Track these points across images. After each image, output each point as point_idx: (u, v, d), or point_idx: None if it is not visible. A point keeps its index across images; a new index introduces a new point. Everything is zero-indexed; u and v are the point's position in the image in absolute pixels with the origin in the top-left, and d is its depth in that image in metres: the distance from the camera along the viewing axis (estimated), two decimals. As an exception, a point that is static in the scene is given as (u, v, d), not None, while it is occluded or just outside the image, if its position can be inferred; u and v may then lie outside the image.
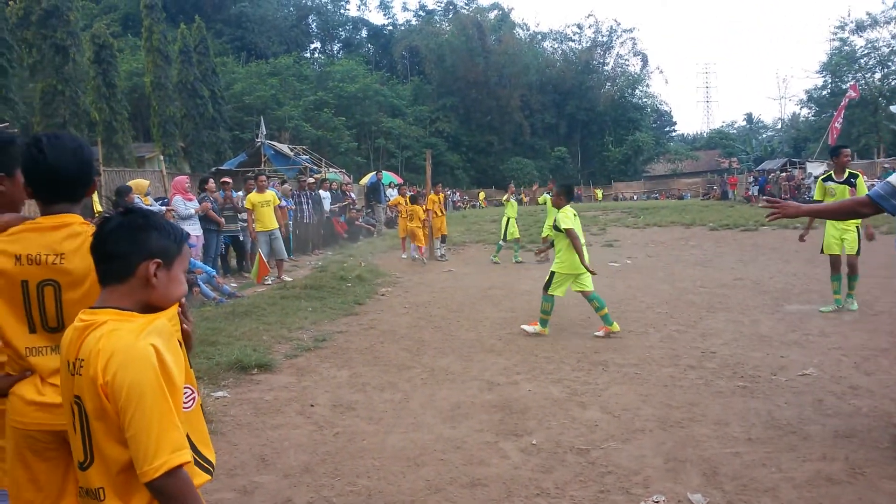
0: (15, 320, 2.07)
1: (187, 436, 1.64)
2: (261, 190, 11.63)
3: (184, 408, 1.71)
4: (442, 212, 15.57)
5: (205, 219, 10.86)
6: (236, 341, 6.63)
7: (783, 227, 19.72)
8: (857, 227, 7.87)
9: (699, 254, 14.60)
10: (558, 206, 7.35)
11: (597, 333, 7.03)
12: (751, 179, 39.22)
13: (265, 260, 11.00)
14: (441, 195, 16.05)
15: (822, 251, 8.24)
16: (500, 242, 14.71)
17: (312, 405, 4.98)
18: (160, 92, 30.22)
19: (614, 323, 7.04)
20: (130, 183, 11.27)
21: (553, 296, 7.14)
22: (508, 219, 14.37)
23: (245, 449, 4.15)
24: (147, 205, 10.20)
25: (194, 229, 10.39)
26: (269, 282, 10.81)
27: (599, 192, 52.64)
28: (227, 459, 3.99)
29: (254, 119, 36.36)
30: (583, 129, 60.07)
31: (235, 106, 41.70)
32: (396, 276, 12.32)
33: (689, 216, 24.38)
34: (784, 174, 34.86)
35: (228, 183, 12.21)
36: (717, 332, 7.01)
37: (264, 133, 26.54)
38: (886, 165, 26.94)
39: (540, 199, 14.65)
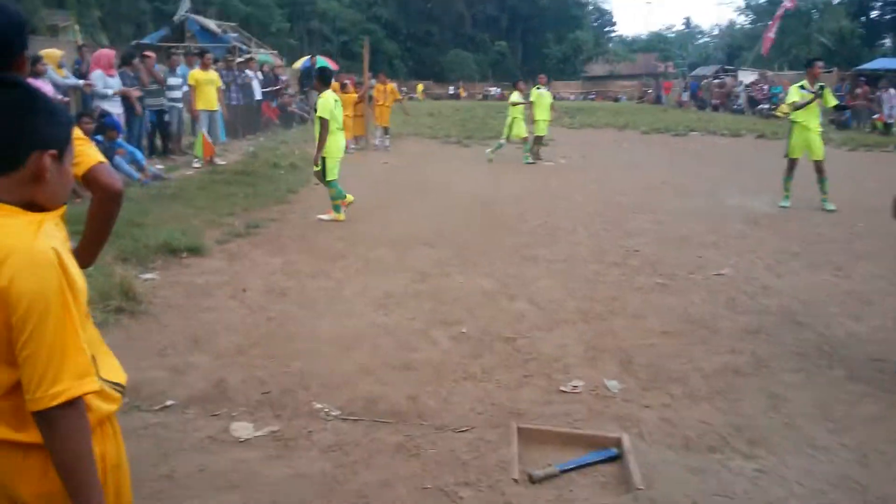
0: None
1: (92, 358, 1.35)
2: (205, 67, 11.05)
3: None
4: (385, 102, 15.23)
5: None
6: (164, 224, 6.46)
7: (710, 133, 20.29)
8: (820, 133, 8.61)
9: (630, 156, 14.87)
10: (319, 91, 7.50)
11: (322, 217, 7.44)
12: (684, 85, 39.69)
13: (208, 138, 10.60)
14: (388, 85, 15.59)
15: (785, 155, 8.87)
16: (502, 141, 13.63)
17: (244, 290, 4.97)
18: (76, -47, 27.47)
19: (342, 212, 7.48)
20: (42, 52, 10.41)
21: (335, 180, 7.49)
22: (514, 118, 13.33)
23: (177, 330, 4.15)
24: (62, 77, 9.50)
25: (115, 107, 9.82)
26: (197, 165, 10.44)
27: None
28: (158, 339, 3.98)
29: (178, -10, 33.78)
30: (524, 23, 58.60)
31: (158, -26, 38.52)
32: (330, 165, 12.08)
33: (623, 119, 24.69)
34: (717, 81, 35.36)
35: (151, 57, 11.47)
36: (642, 231, 7.28)
37: (188, 7, 24.72)
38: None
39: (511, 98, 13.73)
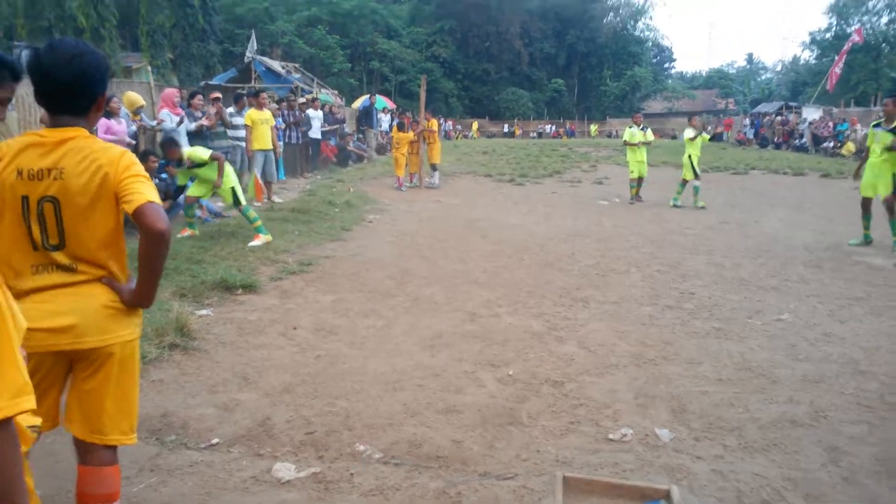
0: (18, 237, 2.06)
1: None
2: (260, 107, 11.42)
3: None
4: (435, 139, 15.44)
5: (194, 135, 10.67)
6: (221, 261, 6.66)
7: (772, 172, 19.78)
8: (894, 174, 8.33)
9: (688, 195, 14.59)
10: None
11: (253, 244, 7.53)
12: (746, 122, 38.94)
13: (260, 180, 10.92)
14: (431, 122, 15.80)
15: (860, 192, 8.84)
16: (697, 183, 12.57)
17: (295, 327, 5.05)
18: (149, -1, 29.06)
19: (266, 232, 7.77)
20: (123, 95, 10.99)
21: (248, 206, 7.92)
22: (690, 155, 12.49)
23: (227, 367, 4.23)
24: (135, 121, 9.94)
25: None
26: (256, 204, 10.74)
27: (594, 128, 52.17)
28: (209, 376, 4.07)
29: (245, 33, 35.26)
30: (582, 60, 58.85)
31: (227, 18, 40.29)
32: (385, 203, 12.29)
33: (681, 157, 24.25)
34: (779, 118, 34.58)
35: (219, 98, 11.95)
36: (698, 273, 7.10)
37: (255, 48, 25.80)
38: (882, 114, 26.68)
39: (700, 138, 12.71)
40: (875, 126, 8.65)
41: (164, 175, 9.04)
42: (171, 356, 4.29)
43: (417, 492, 2.90)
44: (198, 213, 9.12)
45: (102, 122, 8.79)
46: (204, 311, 5.28)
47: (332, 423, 3.53)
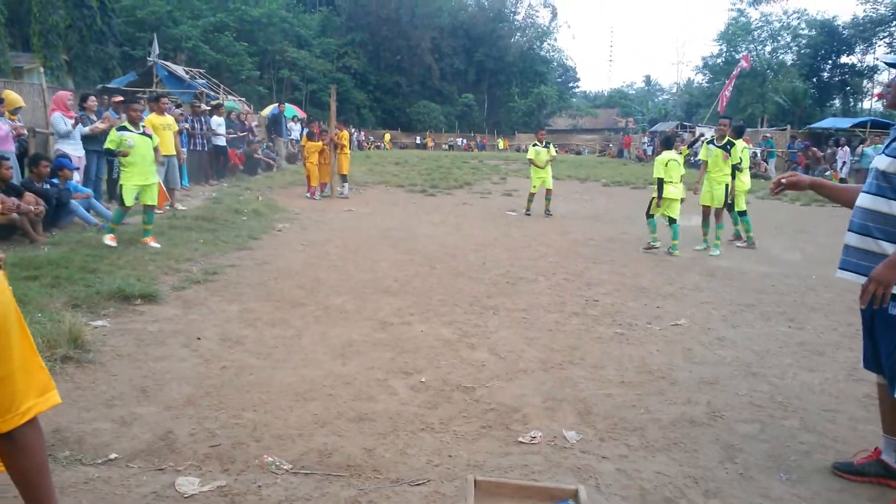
0: None
1: None
2: (161, 112, 10.96)
3: None
4: (345, 150, 15.32)
5: (87, 139, 10.12)
6: (119, 270, 6.33)
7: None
8: (726, 185, 9.53)
9: (591, 208, 15.15)
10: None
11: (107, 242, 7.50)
12: (645, 140, 40.84)
13: (163, 186, 10.47)
14: (342, 133, 15.68)
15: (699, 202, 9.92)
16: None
17: (199, 338, 4.85)
18: (43, -2, 27.41)
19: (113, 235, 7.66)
20: (4, 94, 10.28)
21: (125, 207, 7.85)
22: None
23: (125, 380, 4.01)
24: (12, 120, 9.27)
25: (75, 149, 9.70)
26: (157, 211, 10.30)
27: (501, 142, 53.30)
28: (104, 390, 3.84)
29: (147, 36, 33.88)
30: (491, 77, 60.14)
31: (127, 20, 38.53)
32: (295, 212, 12.08)
33: (585, 171, 25.24)
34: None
35: (122, 102, 11.39)
36: (602, 281, 7.36)
37: (157, 52, 24.74)
38: (768, 135, 28.71)
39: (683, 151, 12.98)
40: (709, 143, 9.85)
41: (54, 180, 8.53)
42: (63, 369, 4.02)
43: (328, 501, 2.84)
44: (93, 219, 8.65)
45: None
46: (99, 322, 4.99)
47: (239, 435, 3.41)
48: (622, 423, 3.76)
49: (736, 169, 9.64)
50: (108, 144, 7.69)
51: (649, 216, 9.61)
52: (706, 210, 9.68)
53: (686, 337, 5.43)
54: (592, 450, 3.43)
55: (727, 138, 9.64)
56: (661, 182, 9.22)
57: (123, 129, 7.73)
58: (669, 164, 9.28)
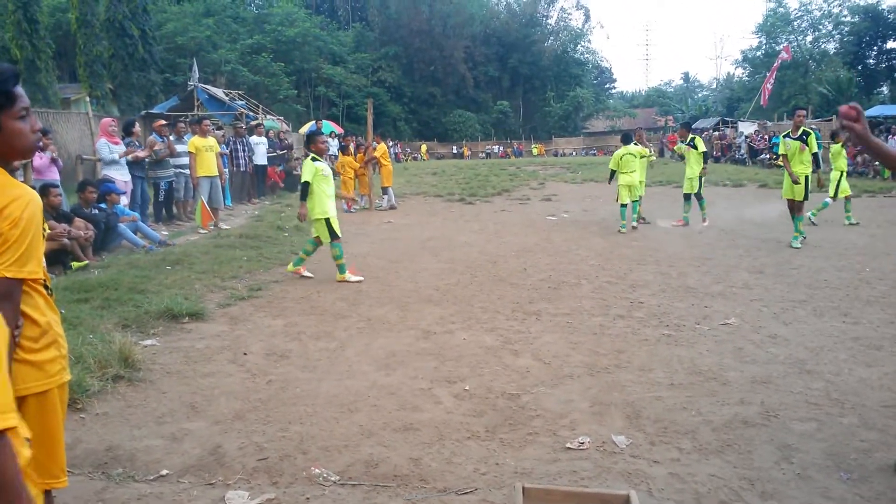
0: None
1: None
2: (203, 134, 11.23)
3: None
4: (384, 162, 15.44)
5: (132, 164, 10.43)
6: (167, 290, 6.47)
7: (713, 185, 20.39)
8: (807, 177, 9.27)
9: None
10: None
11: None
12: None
13: (207, 206, 10.72)
14: (381, 145, 15.81)
15: (782, 195, 9.92)
16: (828, 200, 11.86)
17: (245, 353, 4.93)
18: (86, 30, 28.39)
19: (347, 273, 7.52)
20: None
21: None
22: (842, 172, 11.87)
23: (174, 397, 4.09)
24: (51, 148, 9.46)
25: (121, 174, 9.99)
26: (202, 231, 10.54)
27: (535, 149, 53.05)
28: (155, 407, 3.92)
29: (187, 62, 34.79)
30: (525, 83, 59.96)
31: (167, 47, 39.70)
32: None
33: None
34: (717, 133, 35.77)
35: (167, 126, 11.71)
36: (646, 283, 7.23)
37: (198, 76, 25.41)
38: (813, 126, 27.89)
39: (676, 149, 13.23)
40: (785, 136, 9.61)
41: (102, 205, 8.79)
42: (115, 388, 4.12)
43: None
44: (140, 241, 8.88)
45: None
46: (149, 342, 5.11)
47: (286, 448, 3.44)
48: (673, 426, 3.67)
49: (815, 158, 9.36)
50: (306, 177, 7.33)
51: (622, 205, 11.13)
52: (791, 203, 9.48)
53: (736, 336, 5.28)
54: (643, 454, 3.36)
55: (802, 129, 9.38)
56: (612, 172, 11.28)
57: (315, 159, 7.47)
58: (624, 157, 11.09)
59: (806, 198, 9.32)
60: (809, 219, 11.37)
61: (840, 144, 12.07)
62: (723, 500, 2.92)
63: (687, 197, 11.98)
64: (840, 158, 12.01)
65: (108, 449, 3.38)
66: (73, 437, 3.49)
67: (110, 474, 3.13)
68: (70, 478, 3.07)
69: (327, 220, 7.41)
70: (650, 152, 12.69)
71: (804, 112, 9.95)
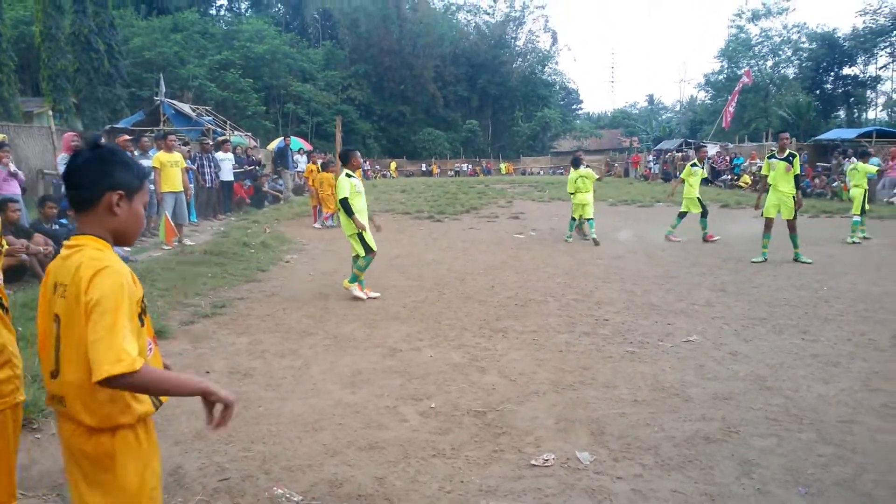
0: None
1: None
2: (169, 149, 11.08)
3: (148, 354, 1.95)
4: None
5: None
6: (128, 307, 6.34)
7: (676, 204, 20.73)
8: (793, 196, 9.57)
9: (598, 227, 15.07)
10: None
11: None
12: (650, 158, 40.90)
13: (171, 222, 10.55)
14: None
15: (761, 214, 10.01)
16: (857, 218, 12.04)
17: (208, 372, 4.85)
18: (51, 43, 27.95)
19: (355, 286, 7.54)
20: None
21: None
22: (864, 190, 12.15)
23: (134, 416, 4.00)
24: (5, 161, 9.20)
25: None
26: (166, 247, 10.37)
27: (503, 167, 53.49)
28: (114, 427, 3.83)
29: (154, 77, 34.43)
30: (494, 103, 60.54)
31: (134, 62, 39.26)
32: (303, 243, 12.12)
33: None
34: (680, 154, 36.48)
35: (129, 140, 11.54)
36: (611, 300, 7.31)
37: (164, 91, 25.12)
38: (773, 148, 28.64)
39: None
40: (770, 157, 9.91)
41: (63, 220, 8.62)
42: (71, 408, 4.02)
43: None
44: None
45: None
46: (109, 360, 5.00)
47: (248, 468, 3.38)
48: (636, 442, 3.71)
49: (798, 179, 9.68)
50: (343, 193, 7.31)
51: (572, 218, 12.53)
52: (769, 222, 9.77)
53: (698, 353, 5.37)
54: (606, 470, 3.38)
55: (788, 150, 9.74)
56: (571, 195, 12.40)
57: (350, 175, 7.42)
58: (578, 180, 12.24)
59: (795, 216, 9.61)
60: (854, 240, 11.77)
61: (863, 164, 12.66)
62: (684, 516, 2.95)
63: (683, 214, 12.85)
64: (863, 177, 12.35)
65: (62, 470, 3.28)
66: (29, 458, 3.39)
67: (65, 496, 3.04)
68: (24, 500, 2.99)
69: (360, 235, 7.42)
70: (595, 174, 13.01)
71: (788, 135, 10.37)
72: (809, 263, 9.44)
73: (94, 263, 1.76)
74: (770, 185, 9.82)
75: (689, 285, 8.15)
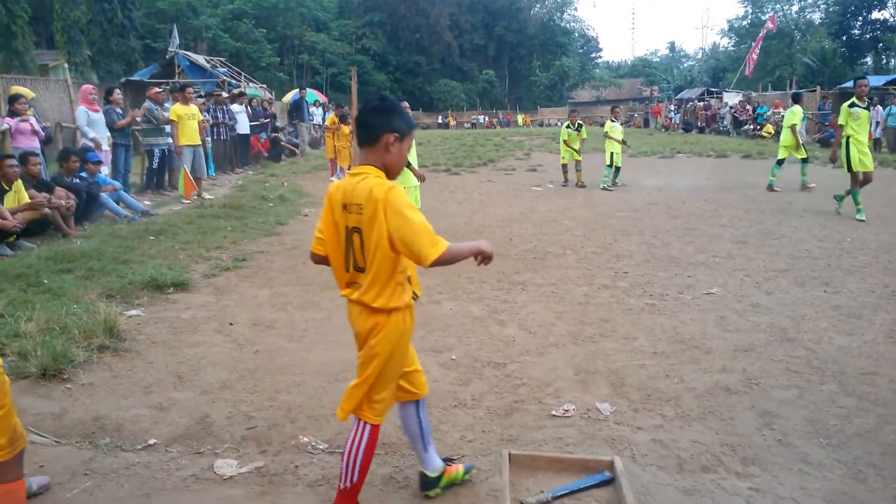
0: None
1: (409, 278, 2.48)
2: (186, 102, 11.02)
3: None
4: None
5: (116, 132, 10.27)
6: (151, 260, 6.43)
7: (697, 155, 20.46)
8: (869, 147, 8.91)
9: (617, 179, 14.93)
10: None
11: None
12: (671, 108, 40.14)
13: (190, 176, 10.61)
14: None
15: (849, 169, 9.12)
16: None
17: (231, 324, 4.92)
18: (63, -7, 27.71)
19: None
20: (12, 90, 10.45)
21: None
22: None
23: (161, 367, 4.08)
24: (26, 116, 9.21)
25: (102, 138, 9.83)
26: (185, 201, 10.44)
27: (521, 119, 52.82)
28: (141, 377, 3.92)
29: (167, 28, 34.08)
30: (511, 52, 59.44)
31: (147, 12, 38.85)
32: (320, 196, 12.11)
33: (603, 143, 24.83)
34: (702, 103, 35.76)
35: (162, 92, 11.56)
36: (630, 253, 7.28)
37: (178, 43, 24.91)
38: (852, 94, 27.87)
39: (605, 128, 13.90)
40: (851, 106, 9.01)
41: (83, 174, 8.67)
42: (100, 358, 4.11)
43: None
44: (123, 211, 8.78)
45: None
46: (134, 312, 5.09)
47: (274, 417, 3.46)
48: (656, 393, 3.73)
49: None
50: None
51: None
52: (857, 176, 9.06)
53: (719, 305, 5.35)
54: (627, 421, 3.41)
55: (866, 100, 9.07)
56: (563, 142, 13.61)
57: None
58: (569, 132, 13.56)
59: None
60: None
61: None
62: (705, 466, 2.98)
63: (780, 162, 12.44)
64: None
65: (95, 419, 3.38)
66: (60, 407, 3.49)
67: (98, 444, 3.14)
68: (58, 447, 3.10)
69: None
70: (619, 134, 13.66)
71: (867, 81, 9.48)
72: (863, 221, 8.86)
73: (383, 185, 2.30)
74: (849, 136, 9.00)
75: (710, 237, 8.08)
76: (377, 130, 2.39)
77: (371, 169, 2.38)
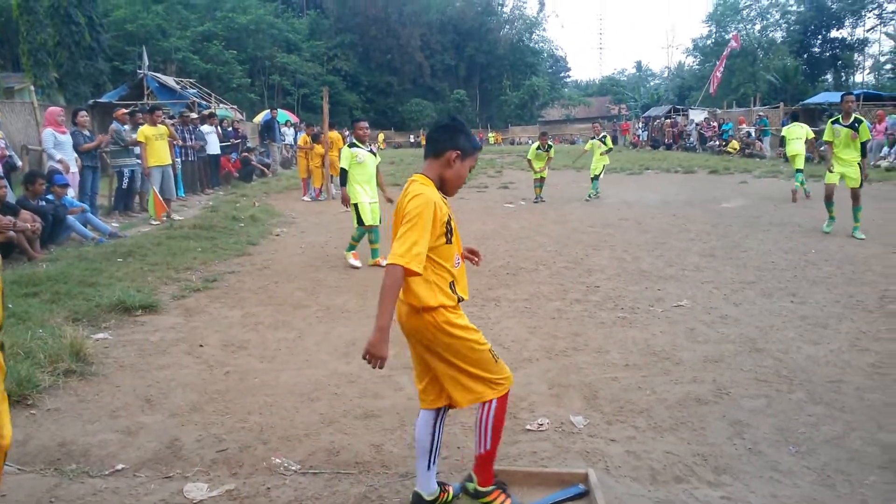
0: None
1: (451, 283, 2.61)
2: (154, 123, 10.92)
3: (455, 265, 2.64)
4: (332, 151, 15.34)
5: (83, 154, 10.13)
6: (118, 282, 6.32)
7: (665, 171, 20.79)
8: (858, 164, 8.89)
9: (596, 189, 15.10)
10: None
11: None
12: (639, 125, 40.82)
13: (159, 197, 10.49)
14: (333, 133, 15.68)
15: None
16: None
17: (202, 345, 4.85)
18: (29, 17, 27.28)
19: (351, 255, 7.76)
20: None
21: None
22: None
23: (129, 390, 4.00)
24: None
25: (70, 165, 9.69)
26: (154, 222, 10.30)
27: (492, 137, 53.23)
28: (108, 401, 3.84)
29: (136, 50, 33.81)
30: (482, 72, 59.99)
31: (116, 34, 38.48)
32: (292, 216, 12.06)
33: (581, 160, 25.13)
34: (668, 121, 36.42)
35: (128, 113, 11.45)
36: (602, 267, 7.35)
37: (147, 64, 24.71)
38: (761, 113, 28.66)
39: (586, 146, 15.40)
40: (833, 122, 9.11)
41: (49, 196, 8.52)
42: (66, 383, 4.02)
43: (338, 499, 2.84)
44: (90, 234, 8.64)
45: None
46: (101, 335, 4.99)
47: (246, 438, 3.40)
48: (629, 405, 3.76)
49: (864, 147, 8.97)
50: (343, 163, 7.40)
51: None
52: (830, 189, 9.10)
53: (689, 317, 5.42)
54: (600, 433, 3.43)
55: (854, 116, 8.91)
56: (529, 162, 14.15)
57: (354, 145, 7.46)
58: (538, 153, 14.08)
59: (861, 185, 8.94)
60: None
61: None
62: (677, 476, 3.00)
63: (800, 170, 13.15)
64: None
65: (60, 444, 3.30)
66: (24, 434, 3.40)
67: (63, 470, 3.06)
68: (21, 475, 3.01)
69: (356, 206, 7.44)
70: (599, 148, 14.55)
71: (853, 97, 9.47)
72: (862, 239, 8.64)
73: (415, 190, 2.54)
74: (833, 152, 9.09)
75: (679, 251, 8.20)
76: (443, 145, 2.62)
77: (420, 177, 2.64)
